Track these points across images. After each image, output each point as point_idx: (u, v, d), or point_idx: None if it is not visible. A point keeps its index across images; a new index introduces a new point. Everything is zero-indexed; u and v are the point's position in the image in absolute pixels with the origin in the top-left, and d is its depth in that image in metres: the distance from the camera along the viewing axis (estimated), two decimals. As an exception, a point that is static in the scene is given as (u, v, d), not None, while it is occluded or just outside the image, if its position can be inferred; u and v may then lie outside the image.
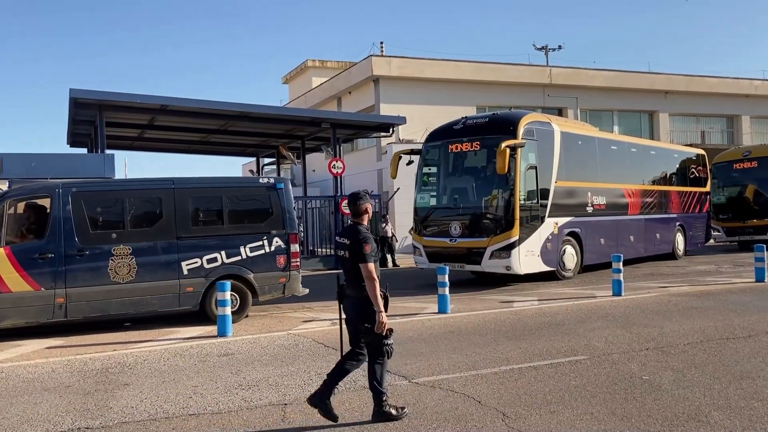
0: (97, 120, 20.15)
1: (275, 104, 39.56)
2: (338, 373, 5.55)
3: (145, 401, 6.31)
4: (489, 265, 13.85)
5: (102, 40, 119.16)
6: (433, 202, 15.39)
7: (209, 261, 10.63)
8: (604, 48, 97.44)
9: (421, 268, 15.59)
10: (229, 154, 33.92)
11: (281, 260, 11.16)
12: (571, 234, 15.44)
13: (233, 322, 10.06)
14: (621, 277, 12.41)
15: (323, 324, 10.25)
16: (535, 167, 14.32)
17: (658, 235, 19.43)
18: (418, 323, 10.08)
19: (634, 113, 35.86)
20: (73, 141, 26.97)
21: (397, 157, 16.14)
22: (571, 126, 16.96)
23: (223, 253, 10.70)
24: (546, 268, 14.58)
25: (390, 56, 29.75)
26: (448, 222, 14.45)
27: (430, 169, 15.59)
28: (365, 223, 5.52)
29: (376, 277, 5.25)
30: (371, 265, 5.25)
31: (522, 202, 13.80)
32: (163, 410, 6.01)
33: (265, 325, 10.38)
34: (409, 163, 16.20)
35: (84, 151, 28.58)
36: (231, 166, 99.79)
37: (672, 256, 20.24)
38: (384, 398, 5.43)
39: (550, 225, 14.61)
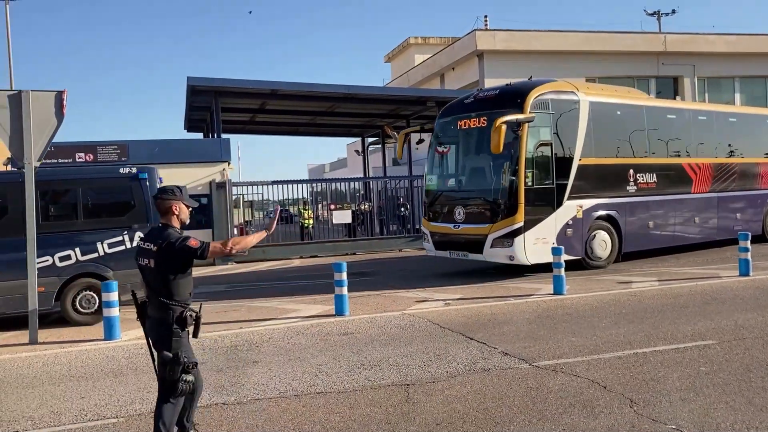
0: (212, 105, 21.07)
1: (377, 83, 39.82)
2: (160, 415, 4.47)
3: (274, 379, 6.61)
4: (491, 254, 12.56)
5: (217, 37, 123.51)
6: (440, 184, 14.26)
7: (62, 259, 10.01)
8: (721, 10, 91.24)
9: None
10: (335, 135, 34.60)
11: None
12: (605, 218, 13.71)
13: (90, 324, 9.94)
14: (749, 256, 11.72)
15: (437, 304, 10.33)
16: (550, 144, 12.81)
17: (739, 215, 16.92)
18: (534, 304, 9.97)
19: (758, 79, 33.48)
20: (189, 126, 28.32)
21: (404, 135, 15.15)
22: (609, 93, 14.76)
23: (77, 249, 10.09)
24: (565, 257, 12.21)
25: (494, 29, 29.17)
26: (454, 206, 13.34)
27: (440, 148, 14.35)
28: (176, 225, 4.61)
29: (227, 244, 4.53)
30: (213, 247, 4.50)
31: (530, 183, 12.35)
32: (292, 388, 6.28)
33: (379, 304, 10.58)
34: (420, 141, 15.57)
35: (200, 135, 29.97)
36: (335, 147, 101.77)
37: (763, 237, 17.40)
38: None
39: (571, 208, 13.01)
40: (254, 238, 4.69)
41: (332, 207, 22.52)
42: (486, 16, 31.85)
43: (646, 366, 6.44)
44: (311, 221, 23.82)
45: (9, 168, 19.74)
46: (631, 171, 14.33)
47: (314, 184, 25.42)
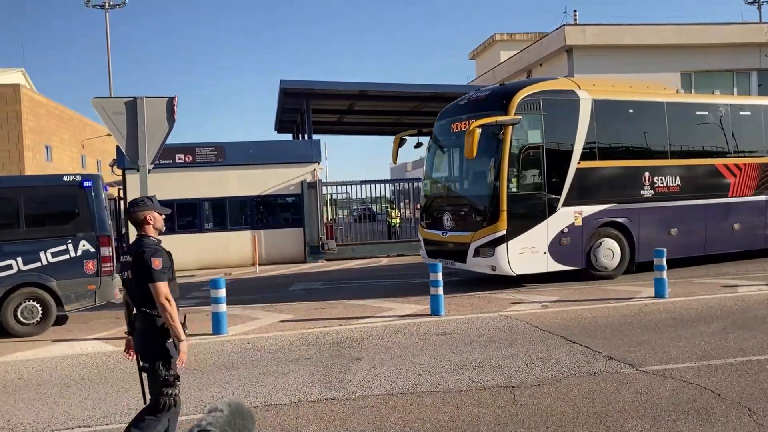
0: (303, 107, 21.60)
1: (461, 81, 39.65)
2: (135, 423, 4.45)
3: (379, 376, 6.78)
4: (474, 263, 11.93)
5: (306, 41, 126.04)
6: (433, 189, 13.80)
7: (2, 269, 9.86)
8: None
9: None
10: (420, 135, 34.76)
11: (90, 265, 10.23)
12: (613, 225, 12.66)
13: (34, 335, 9.81)
14: None
15: (534, 306, 10.27)
16: (541, 147, 11.93)
17: None
18: (635, 308, 9.75)
19: None
20: (280, 127, 29.12)
21: (398, 139, 14.45)
22: (621, 90, 13.48)
23: (19, 259, 9.91)
24: (560, 267, 12.10)
25: (584, 24, 28.52)
26: (443, 212, 12.82)
27: (435, 152, 13.77)
28: (152, 234, 4.56)
29: (170, 298, 4.33)
30: (161, 284, 4.31)
31: (514, 190, 11.62)
32: (397, 386, 6.42)
33: (475, 305, 10.60)
34: (417, 145, 14.96)
35: (289, 136, 30.75)
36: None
37: None
38: None
39: (567, 215, 12.06)
40: (177, 324, 4.32)
41: (417, 206, 22.65)
42: (575, 11, 31.18)
43: (762, 374, 6.22)
44: (398, 220, 24.03)
45: (116, 168, 20.90)
46: (647, 174, 13.02)
47: (397, 184, 25.64)
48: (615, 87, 13.68)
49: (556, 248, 11.98)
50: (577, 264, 12.35)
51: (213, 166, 19.59)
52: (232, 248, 19.70)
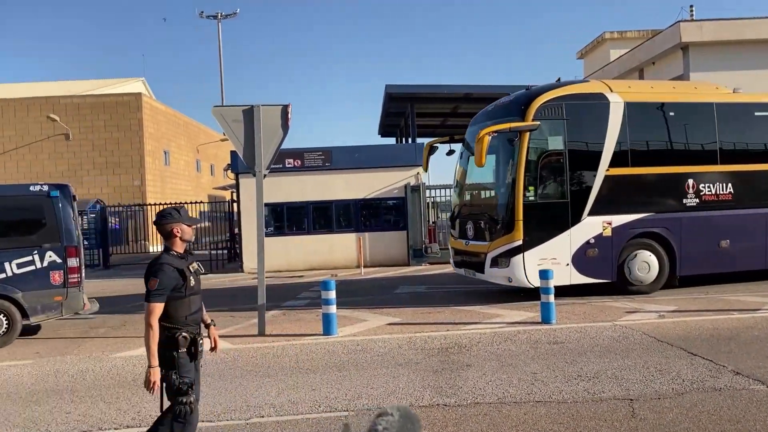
0: (407, 111, 21.76)
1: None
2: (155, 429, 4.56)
3: (490, 384, 6.72)
4: (490, 274, 11.60)
5: (410, 44, 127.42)
6: (460, 197, 13.41)
7: None
8: None
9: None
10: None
11: (56, 277, 10.09)
12: (649, 235, 11.87)
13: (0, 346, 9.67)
14: None
15: (650, 316, 9.86)
16: (562, 153, 11.47)
17: None
18: (762, 320, 9.17)
19: None
20: (384, 132, 29.47)
21: (429, 146, 13.81)
22: (661, 92, 12.62)
23: None
24: (586, 280, 11.52)
25: (701, 20, 27.15)
26: (466, 221, 12.56)
27: (462, 159, 13.34)
28: (177, 247, 4.57)
29: (153, 322, 4.35)
30: (150, 305, 4.34)
31: (532, 198, 11.21)
32: (509, 394, 6.34)
33: (587, 314, 10.31)
34: (450, 153, 14.20)
35: (392, 140, 31.06)
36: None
37: None
38: None
39: (593, 225, 11.49)
40: (152, 349, 4.38)
41: None
42: (692, 6, 29.70)
43: None
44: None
45: (229, 172, 21.81)
46: (691, 181, 12.05)
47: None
48: (655, 88, 12.90)
49: (581, 260, 11.45)
50: (606, 277, 11.73)
51: (320, 170, 20.08)
52: (338, 250, 20.11)
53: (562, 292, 11.27)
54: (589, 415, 5.65)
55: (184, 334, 4.45)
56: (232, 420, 6.00)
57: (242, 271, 19.96)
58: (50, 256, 10.10)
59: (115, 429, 5.92)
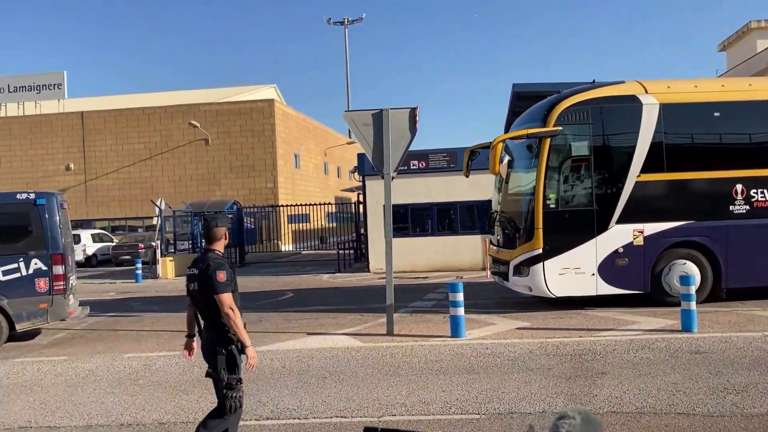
0: (534, 111, 21.31)
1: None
2: (204, 424, 4.75)
3: (627, 393, 6.46)
4: (513, 282, 11.40)
5: (535, 37, 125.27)
6: (495, 203, 13.06)
7: None
8: None
9: None
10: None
11: (41, 284, 10.20)
12: (689, 245, 11.04)
13: None
14: None
15: (805, 327, 9.09)
16: (588, 159, 11.02)
17: None
18: None
19: None
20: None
21: (469, 152, 13.32)
22: (705, 90, 11.61)
23: None
24: (614, 291, 10.93)
25: None
26: (497, 228, 12.36)
27: (502, 164, 12.42)
28: (220, 249, 4.86)
29: (234, 307, 4.60)
30: (224, 296, 4.57)
31: (552, 206, 10.88)
32: (649, 404, 6.07)
33: (732, 322, 9.66)
34: (474, 156, 13.18)
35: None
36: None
37: None
38: None
39: (623, 233, 10.91)
40: (242, 331, 4.62)
41: None
42: None
43: None
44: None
45: (356, 175, 22.31)
46: (740, 187, 10.99)
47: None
48: (699, 87, 11.78)
49: (608, 270, 10.93)
50: (638, 288, 11.08)
51: (445, 172, 20.08)
52: (462, 252, 20.03)
53: (588, 302, 11.22)
54: (737, 430, 5.30)
55: (233, 332, 4.65)
56: (365, 417, 6.15)
57: (368, 271, 20.37)
58: (36, 264, 10.29)
59: (255, 420, 6.24)
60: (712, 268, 11.10)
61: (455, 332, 9.45)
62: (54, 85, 40.56)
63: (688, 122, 11.42)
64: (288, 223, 34.22)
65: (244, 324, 4.68)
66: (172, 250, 26.13)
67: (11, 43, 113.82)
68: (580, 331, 9.53)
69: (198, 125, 35.81)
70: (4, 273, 10.18)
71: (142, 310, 14.20)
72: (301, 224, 34.59)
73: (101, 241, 31.07)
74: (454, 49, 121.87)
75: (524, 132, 11.30)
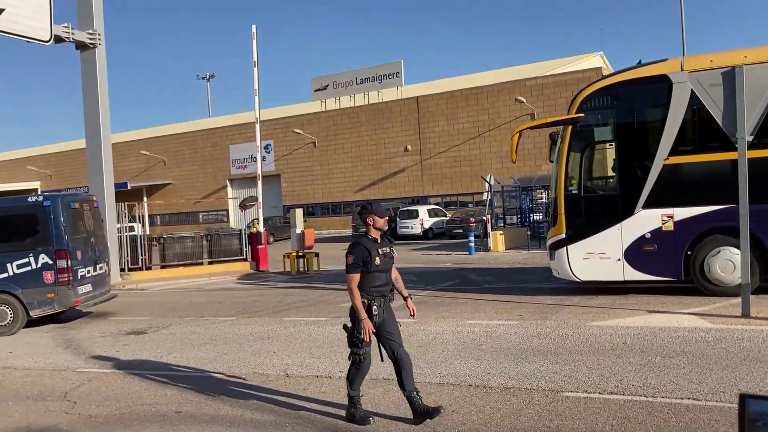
0: None
1: None
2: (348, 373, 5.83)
3: None
4: (551, 265, 11.83)
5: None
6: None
7: None
8: None
9: None
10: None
11: (48, 276, 11.53)
12: (727, 231, 9.92)
13: (5, 334, 11.27)
14: None
15: None
16: (612, 143, 11.14)
17: None
18: None
19: None
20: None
21: (518, 134, 12.15)
22: (752, 62, 9.34)
23: None
24: (642, 276, 10.70)
25: None
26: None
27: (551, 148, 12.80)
28: (373, 233, 5.70)
29: (353, 287, 5.56)
30: (349, 275, 5.59)
31: (574, 191, 11.21)
32: None
33: None
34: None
35: None
36: None
37: None
38: (351, 400, 5.76)
39: (650, 218, 10.55)
40: (358, 306, 5.55)
41: None
42: None
43: None
44: None
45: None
46: None
47: None
48: (749, 58, 9.75)
49: (636, 255, 10.72)
50: (669, 274, 10.70)
51: None
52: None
53: (617, 290, 11.17)
54: None
55: (364, 300, 5.60)
56: (720, 402, 5.68)
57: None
58: (43, 258, 11.61)
59: (599, 393, 6.17)
60: (757, 256, 10.00)
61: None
62: (393, 74, 44.61)
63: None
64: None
65: (367, 305, 5.56)
66: (502, 224, 26.97)
67: (353, 40, 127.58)
68: None
69: (524, 100, 36.20)
70: (18, 267, 11.71)
71: (478, 281, 14.96)
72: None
73: (436, 215, 33.45)
74: None
75: (543, 121, 11.84)
